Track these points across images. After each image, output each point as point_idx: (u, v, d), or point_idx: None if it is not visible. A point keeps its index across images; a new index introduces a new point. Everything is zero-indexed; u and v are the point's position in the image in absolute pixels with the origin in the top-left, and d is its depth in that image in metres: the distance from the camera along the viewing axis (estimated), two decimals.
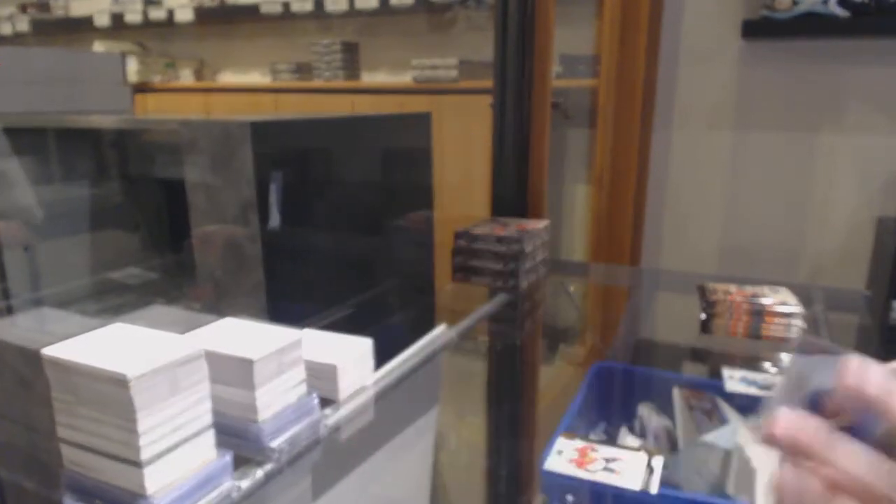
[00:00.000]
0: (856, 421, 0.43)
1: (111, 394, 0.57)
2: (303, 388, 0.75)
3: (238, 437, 0.70)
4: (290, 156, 1.05)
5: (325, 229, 1.17)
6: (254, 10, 3.65)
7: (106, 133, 1.55)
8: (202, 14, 3.88)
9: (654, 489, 0.80)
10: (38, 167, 1.44)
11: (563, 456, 0.87)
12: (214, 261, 1.04)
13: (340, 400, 0.81)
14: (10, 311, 1.35)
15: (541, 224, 1.64)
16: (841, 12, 2.17)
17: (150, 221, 1.65)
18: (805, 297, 1.38)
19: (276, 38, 3.94)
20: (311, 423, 0.75)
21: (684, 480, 0.94)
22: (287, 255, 1.06)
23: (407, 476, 0.98)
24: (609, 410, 1.16)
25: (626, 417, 1.14)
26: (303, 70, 3.68)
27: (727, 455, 0.95)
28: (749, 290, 1.36)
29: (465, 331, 1.28)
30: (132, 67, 3.98)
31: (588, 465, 0.85)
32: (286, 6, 3.53)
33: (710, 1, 2.46)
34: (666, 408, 1.11)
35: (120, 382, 0.56)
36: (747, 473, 0.92)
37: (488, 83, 1.78)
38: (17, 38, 4.60)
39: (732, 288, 1.36)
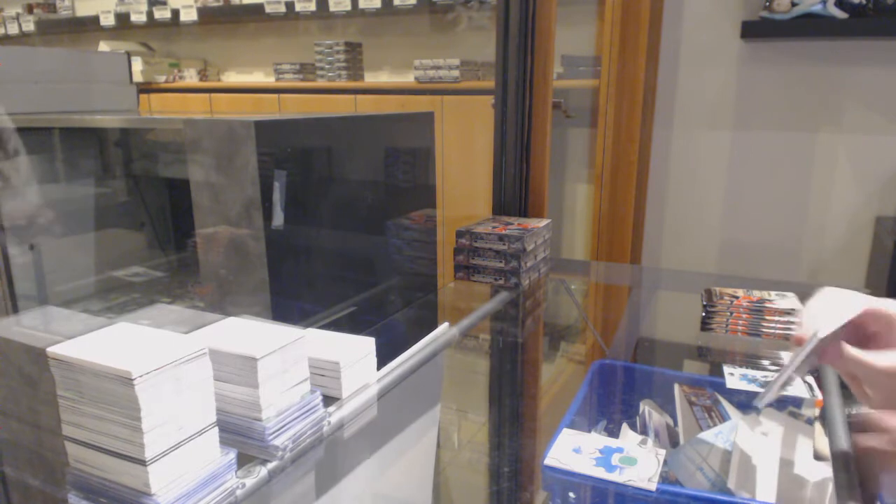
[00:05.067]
0: None
1: (116, 392, 0.58)
2: (306, 386, 0.75)
3: (242, 435, 0.70)
4: (294, 155, 1.06)
5: (329, 228, 1.18)
6: (258, 10, 3.66)
7: (111, 132, 1.56)
8: (206, 14, 3.88)
9: (654, 485, 0.80)
10: (44, 166, 1.45)
11: (565, 453, 0.87)
12: (218, 259, 1.05)
13: (344, 398, 0.82)
14: (15, 309, 1.35)
15: (542, 223, 1.65)
16: (839, 13, 2.17)
17: (154, 220, 1.66)
18: (804, 296, 1.38)
19: (279, 39, 3.95)
20: (314, 421, 0.76)
21: (685, 477, 0.95)
22: (291, 254, 1.07)
23: (410, 473, 0.99)
24: (610, 407, 1.16)
25: (628, 414, 1.14)
26: (306, 70, 3.68)
27: (728, 451, 0.95)
28: (756, 294, 1.36)
29: (467, 329, 1.28)
30: (137, 67, 3.99)
31: (589, 461, 0.85)
32: (290, 6, 3.54)
33: (710, 2, 2.47)
34: (667, 405, 1.12)
35: (125, 380, 0.57)
36: (748, 469, 0.92)
37: (490, 83, 1.79)
38: (23, 38, 4.61)
39: (740, 292, 1.37)
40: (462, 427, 1.28)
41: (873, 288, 2.14)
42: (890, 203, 2.36)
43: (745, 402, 1.07)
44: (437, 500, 1.07)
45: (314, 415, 0.76)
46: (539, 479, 0.96)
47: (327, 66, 3.51)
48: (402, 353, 0.97)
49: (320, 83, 3.54)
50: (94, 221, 1.53)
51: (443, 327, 1.09)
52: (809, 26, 2.23)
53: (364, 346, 0.85)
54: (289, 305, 1.08)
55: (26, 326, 0.87)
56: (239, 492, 0.66)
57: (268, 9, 3.60)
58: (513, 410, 1.30)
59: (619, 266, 2.31)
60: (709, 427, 1.02)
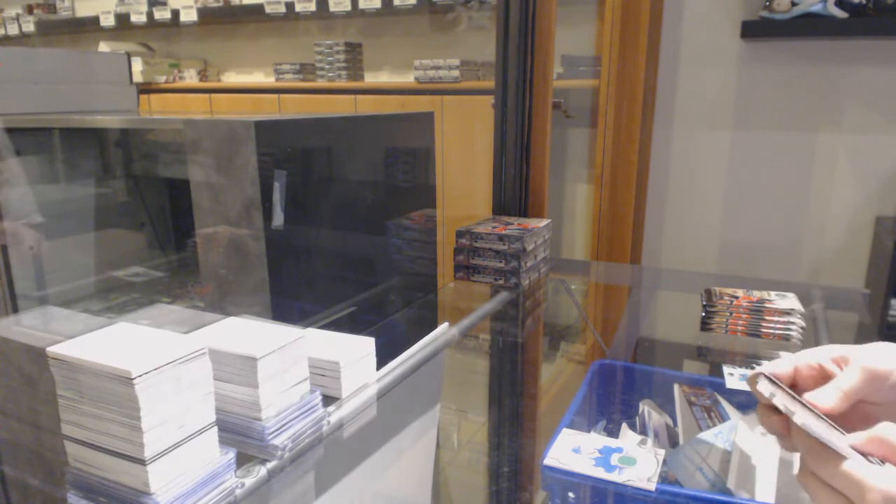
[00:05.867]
0: None
1: (116, 391, 0.58)
2: (306, 386, 0.75)
3: (241, 435, 0.70)
4: (294, 155, 1.06)
5: (329, 228, 1.18)
6: (258, 10, 3.66)
7: (111, 133, 1.56)
8: (206, 15, 3.89)
9: (654, 485, 0.80)
10: (44, 167, 1.45)
11: (565, 453, 0.87)
12: (218, 259, 1.05)
13: (343, 397, 0.82)
14: (15, 309, 1.35)
15: (542, 223, 1.65)
16: (839, 13, 2.17)
17: (154, 220, 1.66)
18: (804, 296, 1.38)
19: (279, 39, 3.95)
20: (314, 421, 0.76)
21: (685, 477, 0.95)
22: (291, 254, 1.07)
23: (409, 473, 0.99)
24: (610, 407, 1.16)
25: (627, 414, 1.14)
26: (306, 70, 3.68)
27: (727, 452, 0.95)
28: (756, 295, 1.36)
29: (466, 329, 1.28)
30: (137, 68, 3.99)
31: (589, 461, 0.85)
32: (290, 7, 3.54)
33: (710, 2, 2.47)
34: (667, 405, 1.11)
35: (125, 380, 0.57)
36: (748, 469, 0.92)
37: (490, 83, 1.79)
38: (23, 39, 4.61)
39: (739, 293, 1.37)
40: (462, 427, 1.28)
41: (873, 288, 2.14)
42: (890, 203, 2.36)
43: (745, 403, 1.07)
44: (436, 500, 1.07)
45: (314, 414, 0.76)
46: (538, 479, 0.96)
47: (327, 67, 3.51)
48: (401, 353, 0.97)
49: (320, 83, 3.54)
50: (95, 221, 1.54)
51: (443, 327, 1.09)
52: (809, 26, 2.23)
53: (364, 346, 0.85)
54: (289, 305, 1.08)
55: (26, 326, 0.87)
56: (238, 491, 0.66)
57: (268, 9, 3.60)
58: (512, 410, 1.30)
59: (619, 266, 2.32)
60: (708, 427, 1.02)
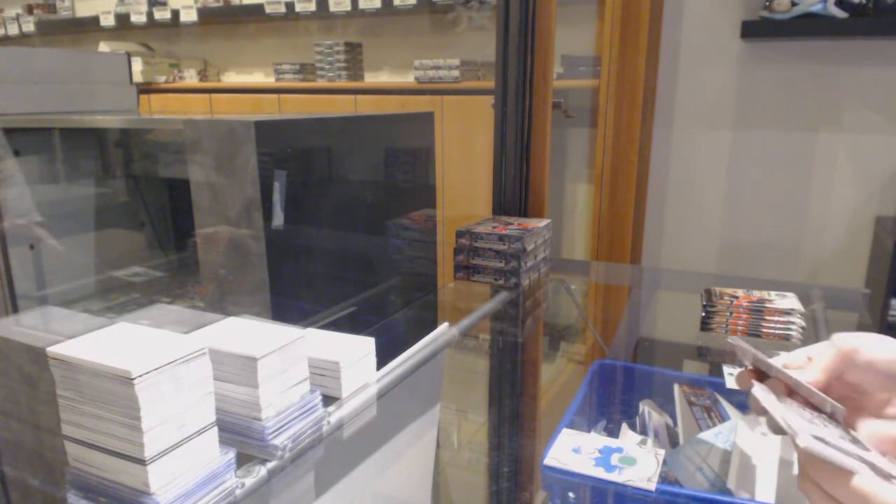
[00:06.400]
0: None
1: (116, 391, 0.58)
2: (306, 386, 0.75)
3: (241, 435, 0.70)
4: (294, 155, 1.06)
5: (329, 228, 1.18)
6: (258, 10, 3.66)
7: (111, 133, 1.56)
8: (206, 15, 3.89)
9: (654, 485, 0.80)
10: (44, 167, 1.45)
11: (565, 453, 0.87)
12: (218, 259, 1.05)
13: (343, 397, 0.82)
14: (15, 309, 1.35)
15: (542, 223, 1.65)
16: (839, 13, 2.17)
17: (154, 220, 1.66)
18: (804, 295, 1.38)
19: (279, 39, 3.95)
20: (314, 421, 0.76)
21: (685, 477, 0.95)
22: (291, 254, 1.07)
23: (409, 473, 0.99)
24: (610, 407, 1.16)
25: (628, 414, 1.14)
26: (306, 70, 3.68)
27: (727, 451, 0.95)
28: (756, 295, 1.36)
29: (466, 329, 1.28)
30: (137, 68, 3.99)
31: (589, 461, 0.85)
32: (290, 7, 3.54)
33: (710, 2, 2.47)
34: (667, 405, 1.11)
35: (125, 380, 0.57)
36: (748, 469, 0.92)
37: (490, 83, 1.79)
38: (23, 39, 4.61)
39: (740, 292, 1.37)
40: (462, 427, 1.28)
41: (873, 288, 2.14)
42: (890, 203, 2.36)
43: (744, 402, 1.07)
44: (436, 500, 1.07)
45: (314, 414, 0.76)
46: (538, 479, 0.96)
47: (327, 67, 3.51)
48: (401, 353, 0.97)
49: (320, 83, 3.54)
50: (95, 221, 1.54)
51: (443, 327, 1.09)
52: (809, 26, 2.23)
53: (364, 346, 0.85)
54: (289, 305, 1.08)
55: (26, 326, 0.87)
56: (238, 491, 0.66)
57: (268, 9, 3.60)
58: (512, 410, 1.30)
59: (619, 266, 2.32)
60: (708, 427, 1.02)
